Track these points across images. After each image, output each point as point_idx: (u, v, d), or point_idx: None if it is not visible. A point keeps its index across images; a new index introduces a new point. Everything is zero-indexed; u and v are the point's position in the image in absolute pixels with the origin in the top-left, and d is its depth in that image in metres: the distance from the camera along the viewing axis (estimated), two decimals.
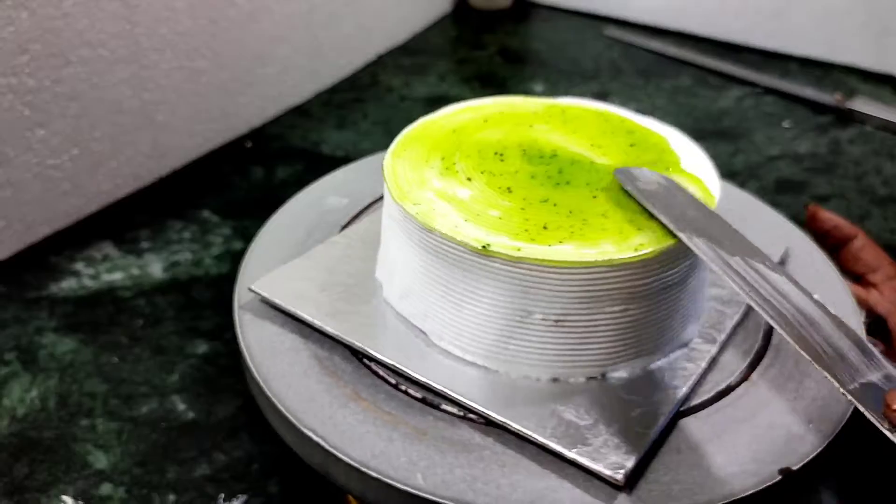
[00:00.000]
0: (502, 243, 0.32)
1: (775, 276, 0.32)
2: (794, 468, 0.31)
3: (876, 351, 0.31)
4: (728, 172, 0.73)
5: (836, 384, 0.29)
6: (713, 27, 1.01)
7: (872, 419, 0.28)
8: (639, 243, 0.33)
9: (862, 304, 0.43)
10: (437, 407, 0.33)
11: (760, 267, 0.33)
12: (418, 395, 0.34)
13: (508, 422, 0.32)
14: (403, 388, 0.34)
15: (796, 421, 0.33)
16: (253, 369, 0.35)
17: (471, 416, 0.33)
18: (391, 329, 0.37)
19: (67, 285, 0.56)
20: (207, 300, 0.56)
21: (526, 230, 0.33)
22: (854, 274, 0.46)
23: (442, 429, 0.32)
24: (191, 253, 0.60)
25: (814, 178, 0.73)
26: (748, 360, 0.36)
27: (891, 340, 0.40)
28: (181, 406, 0.47)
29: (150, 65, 0.64)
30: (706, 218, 0.34)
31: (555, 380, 0.34)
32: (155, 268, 0.58)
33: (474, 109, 0.43)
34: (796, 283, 0.32)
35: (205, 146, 0.72)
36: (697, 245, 0.32)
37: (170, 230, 0.62)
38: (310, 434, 0.32)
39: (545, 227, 0.33)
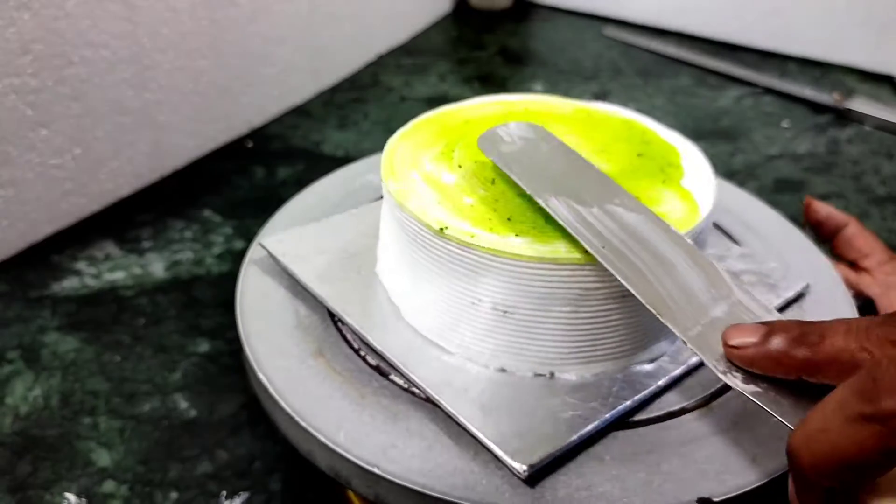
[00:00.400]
0: (460, 228, 0.33)
1: (634, 219, 0.32)
2: (716, 499, 0.29)
3: (727, 277, 0.30)
4: (727, 172, 0.73)
5: (678, 333, 0.28)
6: (712, 27, 1.02)
7: (706, 362, 0.28)
8: None
9: (853, 286, 0.44)
10: (385, 375, 0.34)
11: (619, 212, 0.32)
12: (373, 362, 0.35)
13: (439, 398, 0.32)
14: (363, 353, 0.35)
15: (739, 454, 0.31)
16: (255, 367, 0.35)
17: (413, 389, 0.34)
18: (369, 299, 0.38)
19: (69, 284, 0.57)
20: (209, 299, 0.56)
21: (489, 219, 0.34)
22: (847, 260, 0.47)
23: (381, 396, 0.33)
24: (192, 252, 0.60)
25: (812, 178, 0.73)
26: (715, 388, 0.34)
27: None
28: (183, 404, 0.47)
29: (152, 65, 0.64)
30: (569, 169, 0.35)
31: (502, 370, 0.34)
32: (156, 267, 0.59)
33: (503, 104, 0.44)
34: (655, 222, 0.32)
35: (206, 146, 0.73)
36: (551, 205, 0.32)
37: (171, 229, 0.63)
38: (314, 433, 0.32)
39: (508, 219, 0.34)
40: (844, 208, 0.68)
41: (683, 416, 0.33)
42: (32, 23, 0.54)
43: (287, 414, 0.33)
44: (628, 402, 0.33)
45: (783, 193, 0.71)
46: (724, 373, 0.27)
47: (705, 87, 0.90)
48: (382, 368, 0.35)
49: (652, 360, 0.35)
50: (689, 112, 0.85)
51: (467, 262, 0.33)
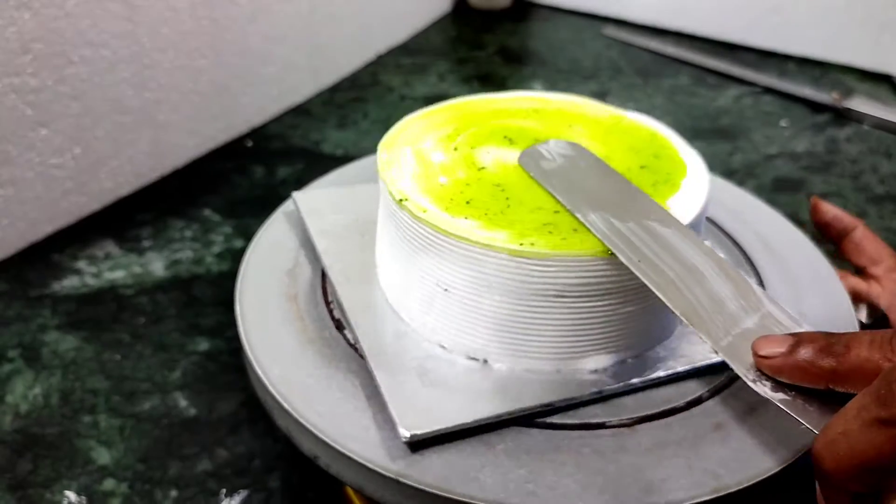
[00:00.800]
0: (417, 203, 0.35)
1: (667, 233, 0.33)
2: None
3: (757, 289, 0.31)
4: (726, 171, 0.73)
5: (710, 343, 0.29)
6: (711, 27, 1.02)
7: (737, 371, 0.29)
8: (532, 241, 0.32)
9: (864, 298, 0.43)
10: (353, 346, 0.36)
11: (654, 226, 0.34)
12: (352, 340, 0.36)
13: (368, 357, 0.34)
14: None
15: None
16: (254, 366, 0.35)
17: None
18: (357, 260, 0.40)
19: (70, 283, 0.57)
20: (209, 298, 0.56)
21: (451, 200, 0.35)
22: (855, 265, 0.46)
23: (341, 368, 0.35)
24: (192, 251, 0.61)
25: (811, 177, 0.73)
26: (639, 415, 0.34)
27: None
28: (183, 402, 0.48)
29: (152, 64, 0.64)
30: (607, 185, 0.36)
31: (441, 346, 0.36)
32: (156, 266, 0.59)
33: (538, 100, 0.45)
34: (689, 236, 0.33)
35: (206, 145, 0.73)
36: (591, 221, 0.33)
37: (171, 228, 0.63)
38: (314, 430, 0.32)
39: (468, 203, 0.35)
40: (843, 207, 0.68)
41: (603, 430, 0.33)
42: (32, 22, 0.54)
43: (286, 412, 0.33)
44: (532, 402, 0.33)
45: (782, 193, 0.71)
46: (755, 381, 0.28)
47: (704, 86, 0.90)
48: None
49: (594, 372, 0.35)
50: (689, 111, 0.85)
51: (417, 236, 0.34)
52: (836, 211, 0.47)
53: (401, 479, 0.30)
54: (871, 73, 0.93)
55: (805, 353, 0.27)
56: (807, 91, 0.87)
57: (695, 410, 0.33)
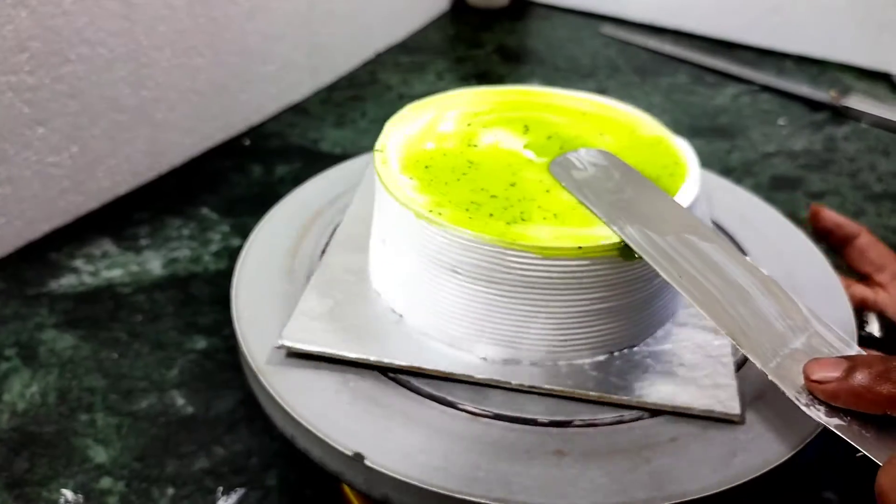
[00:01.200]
0: (387, 155, 0.37)
1: (708, 248, 0.32)
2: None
3: (804, 308, 0.30)
4: (724, 169, 0.73)
5: (758, 363, 0.29)
6: (709, 25, 1.02)
7: (787, 394, 0.28)
8: (441, 211, 0.34)
9: (871, 307, 0.42)
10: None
11: (693, 240, 0.33)
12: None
13: (313, 278, 0.38)
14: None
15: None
16: (251, 364, 0.35)
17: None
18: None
19: (67, 282, 0.57)
20: (206, 296, 0.56)
21: (417, 161, 0.37)
22: (860, 273, 0.45)
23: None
24: (189, 250, 0.60)
25: (809, 175, 0.73)
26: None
27: None
28: (180, 401, 0.47)
29: (150, 63, 0.64)
30: (642, 196, 0.35)
31: (377, 293, 0.37)
32: (154, 264, 0.59)
33: (577, 100, 0.45)
34: (730, 252, 0.32)
35: (203, 144, 0.73)
36: (629, 235, 0.33)
37: (169, 227, 0.63)
38: (312, 429, 0.32)
39: (426, 167, 0.37)
40: (840, 205, 0.69)
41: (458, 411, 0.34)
42: (29, 20, 0.54)
43: (283, 410, 0.33)
44: (408, 364, 0.34)
45: (780, 191, 0.71)
46: (807, 406, 0.28)
47: (702, 84, 0.90)
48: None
49: (484, 359, 0.35)
50: (687, 110, 0.85)
51: (377, 187, 0.37)
52: (838, 218, 0.46)
53: (397, 477, 0.30)
54: (869, 71, 0.93)
55: (861, 378, 0.26)
56: (805, 89, 0.87)
57: None
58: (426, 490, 0.30)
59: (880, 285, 0.44)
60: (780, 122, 0.83)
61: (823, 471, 0.42)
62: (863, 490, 0.26)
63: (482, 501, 0.29)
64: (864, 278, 0.45)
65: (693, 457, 0.31)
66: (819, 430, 0.31)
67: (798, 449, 0.31)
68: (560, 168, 0.37)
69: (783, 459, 0.30)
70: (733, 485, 0.30)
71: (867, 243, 0.45)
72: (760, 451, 0.31)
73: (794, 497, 0.32)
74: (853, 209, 0.68)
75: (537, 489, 0.30)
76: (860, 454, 0.26)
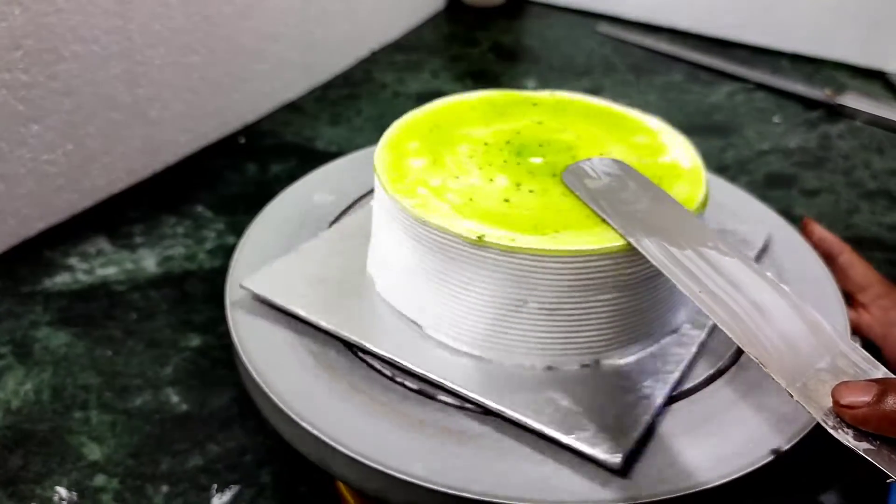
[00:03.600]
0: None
1: (729, 264, 0.31)
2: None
3: (828, 327, 0.30)
4: (718, 167, 0.73)
5: (783, 384, 0.28)
6: (705, 24, 1.02)
7: (815, 416, 0.27)
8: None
9: (854, 329, 0.42)
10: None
11: (713, 255, 0.32)
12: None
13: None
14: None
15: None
16: (246, 362, 0.35)
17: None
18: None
19: (62, 280, 0.57)
20: (201, 294, 0.56)
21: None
22: (844, 291, 0.44)
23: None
24: (184, 248, 0.60)
25: (803, 173, 0.74)
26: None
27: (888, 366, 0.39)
28: (174, 398, 0.47)
29: (144, 60, 0.64)
30: (659, 208, 0.34)
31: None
32: (149, 262, 0.59)
33: (604, 107, 0.46)
34: (752, 267, 0.32)
35: (198, 142, 0.73)
36: (646, 248, 0.32)
37: (163, 225, 0.63)
38: (306, 426, 0.32)
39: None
40: (835, 203, 0.69)
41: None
42: (23, 18, 0.54)
43: (277, 408, 0.33)
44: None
45: (774, 188, 0.71)
46: (835, 429, 0.27)
47: (698, 83, 0.90)
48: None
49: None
50: (682, 108, 0.85)
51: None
52: (822, 233, 0.46)
53: (391, 473, 0.30)
54: (864, 69, 0.93)
55: (893, 402, 0.26)
56: (799, 87, 0.87)
57: None
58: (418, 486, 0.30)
59: (862, 306, 0.44)
60: (775, 119, 0.83)
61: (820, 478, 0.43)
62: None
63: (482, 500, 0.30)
64: (847, 298, 0.44)
65: None
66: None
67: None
68: (573, 177, 0.36)
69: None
70: None
71: (849, 262, 0.45)
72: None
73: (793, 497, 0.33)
74: (847, 206, 0.69)
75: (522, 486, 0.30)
76: (891, 480, 0.25)
